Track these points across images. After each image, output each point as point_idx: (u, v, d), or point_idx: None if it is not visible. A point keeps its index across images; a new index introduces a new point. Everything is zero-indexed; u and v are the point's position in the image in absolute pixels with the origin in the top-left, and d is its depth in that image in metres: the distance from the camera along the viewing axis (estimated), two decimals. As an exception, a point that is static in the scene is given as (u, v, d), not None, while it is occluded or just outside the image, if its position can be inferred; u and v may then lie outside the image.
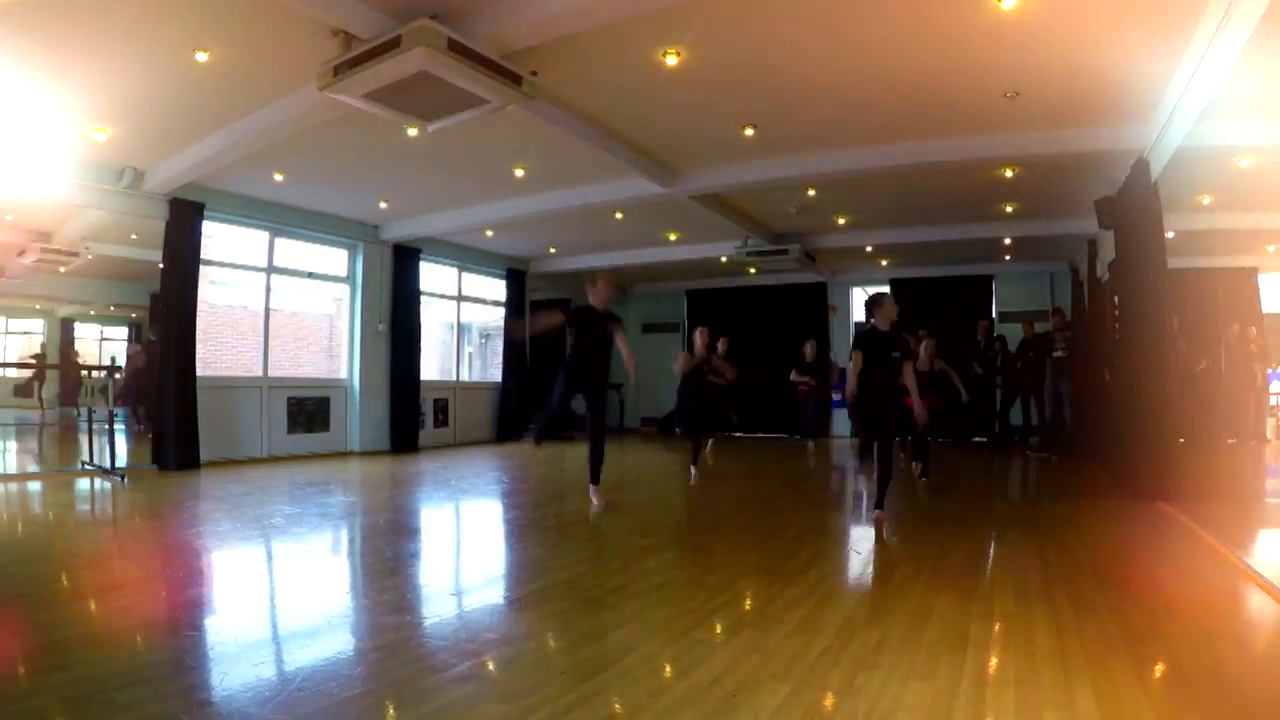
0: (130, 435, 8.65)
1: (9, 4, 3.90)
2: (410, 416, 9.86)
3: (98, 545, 4.27)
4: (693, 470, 6.74)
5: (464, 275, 11.37)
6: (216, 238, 8.00)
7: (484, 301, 11.97)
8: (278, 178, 7.47)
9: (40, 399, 9.08)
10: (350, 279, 9.60)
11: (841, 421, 12.49)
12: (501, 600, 3.29)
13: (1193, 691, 2.14)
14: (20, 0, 3.91)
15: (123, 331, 10.98)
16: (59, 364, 9.48)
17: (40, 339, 9.17)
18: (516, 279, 11.94)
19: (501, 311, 11.99)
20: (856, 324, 13.15)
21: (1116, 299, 7.09)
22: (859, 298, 13.13)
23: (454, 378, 11.51)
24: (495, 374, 12.10)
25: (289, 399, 8.76)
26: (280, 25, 4.31)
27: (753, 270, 11.80)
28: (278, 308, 8.84)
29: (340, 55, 4.29)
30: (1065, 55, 4.67)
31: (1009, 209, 8.62)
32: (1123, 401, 6.38)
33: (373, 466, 8.14)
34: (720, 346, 7.96)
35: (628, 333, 5.72)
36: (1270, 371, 9.82)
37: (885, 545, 4.32)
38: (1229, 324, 9.66)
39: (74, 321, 10.03)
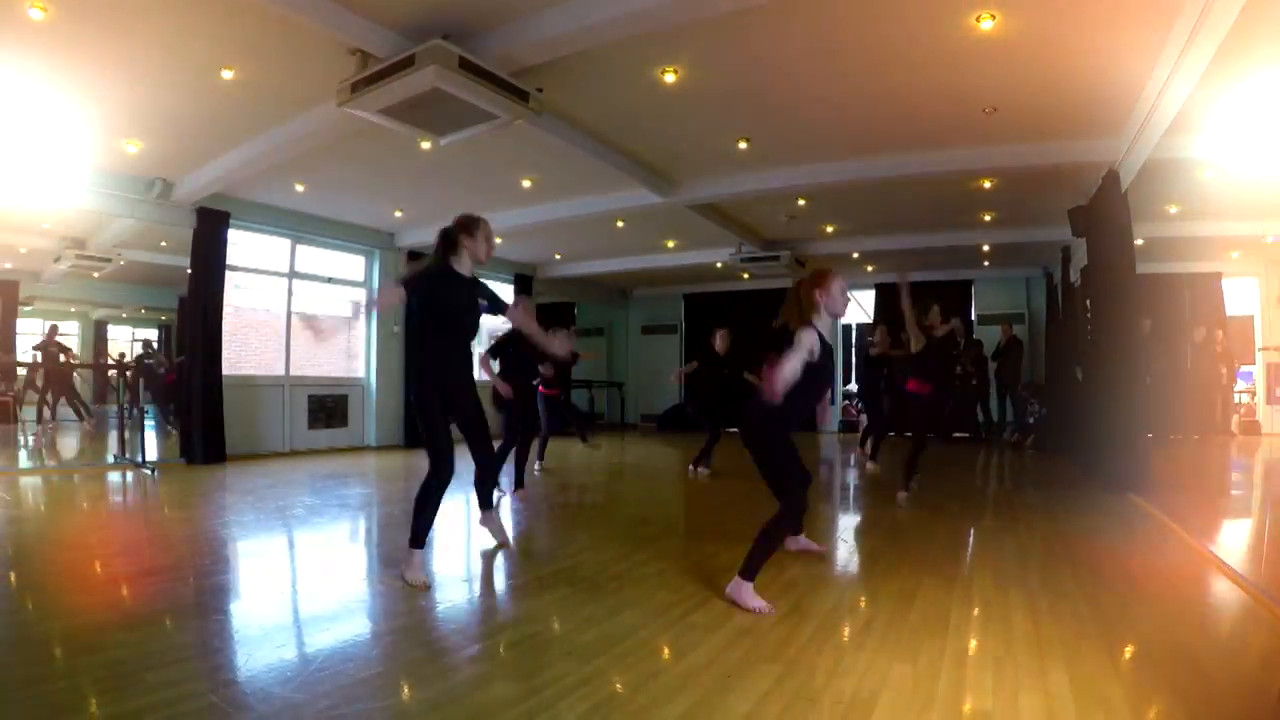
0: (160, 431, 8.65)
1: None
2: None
3: (129, 534, 4.27)
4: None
5: (474, 280, 11.36)
6: (241, 245, 8.01)
7: (493, 305, 11.96)
8: (299, 188, 7.47)
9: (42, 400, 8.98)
10: (367, 283, 9.60)
11: (830, 417, 12.51)
12: (509, 586, 3.29)
13: (1160, 671, 2.14)
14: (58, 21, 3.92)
15: (153, 333, 10.98)
16: (91, 363, 9.49)
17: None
18: (524, 284, 11.93)
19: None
20: (844, 326, 13.16)
21: (1089, 302, 7.10)
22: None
23: (465, 377, 11.49)
24: (503, 373, 12.09)
25: (309, 396, 8.76)
26: (301, 45, 4.31)
27: (746, 275, 11.80)
28: (299, 310, 8.84)
29: (358, 73, 4.30)
30: (1040, 73, 4.67)
31: (987, 217, 8.62)
32: (1095, 399, 6.38)
33: (388, 460, 8.14)
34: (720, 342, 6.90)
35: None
36: (1238, 370, 9.82)
37: (872, 535, 4.32)
38: (1195, 326, 9.67)
39: (107, 324, 10.04)
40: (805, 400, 2.85)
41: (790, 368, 2.64)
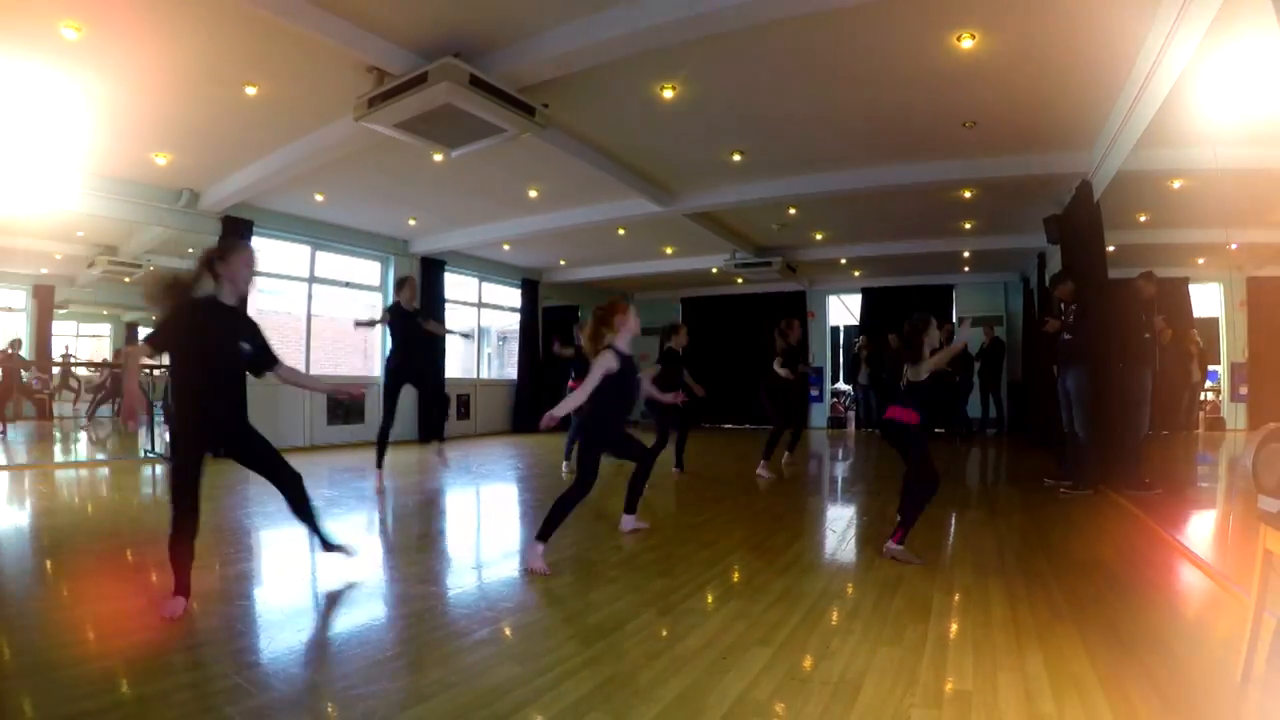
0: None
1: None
2: (436, 410, 9.85)
3: (158, 524, 4.26)
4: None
5: (484, 285, 11.35)
6: (264, 251, 8.01)
7: (501, 308, 11.96)
8: (318, 197, 7.47)
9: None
10: (383, 288, 9.60)
11: (819, 413, 12.50)
12: (517, 573, 3.29)
13: (1130, 653, 2.14)
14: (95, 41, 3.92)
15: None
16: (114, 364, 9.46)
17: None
18: (530, 288, 11.93)
19: (517, 317, 11.99)
20: (833, 328, 13.17)
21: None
22: (835, 305, 13.15)
23: (475, 376, 11.51)
24: (511, 372, 12.11)
25: (328, 395, 8.77)
26: (320, 63, 4.31)
27: (740, 280, 11.79)
28: (318, 314, 8.84)
29: (374, 89, 4.30)
30: (1017, 90, 4.68)
31: (967, 225, 8.63)
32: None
33: (402, 455, 8.14)
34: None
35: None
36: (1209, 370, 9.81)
37: (857, 526, 4.32)
38: (1163, 329, 9.64)
39: (137, 326, 10.04)
40: (619, 412, 3.26)
41: (579, 397, 3.07)
